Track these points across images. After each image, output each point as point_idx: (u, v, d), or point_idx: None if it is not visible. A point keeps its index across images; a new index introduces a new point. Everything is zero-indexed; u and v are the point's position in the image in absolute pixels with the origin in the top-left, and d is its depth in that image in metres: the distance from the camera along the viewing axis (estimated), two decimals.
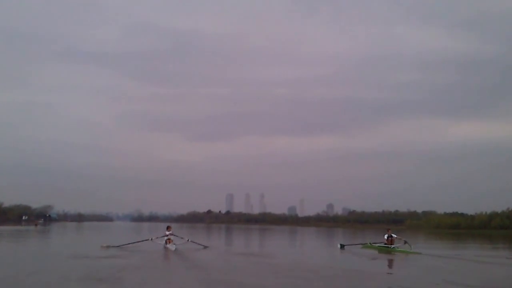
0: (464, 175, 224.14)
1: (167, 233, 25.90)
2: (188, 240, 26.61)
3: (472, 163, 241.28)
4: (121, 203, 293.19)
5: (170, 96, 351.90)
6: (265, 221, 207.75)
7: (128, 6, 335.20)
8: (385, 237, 28.47)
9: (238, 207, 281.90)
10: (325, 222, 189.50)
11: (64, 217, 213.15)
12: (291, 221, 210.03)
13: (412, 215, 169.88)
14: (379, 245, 28.97)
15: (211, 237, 51.47)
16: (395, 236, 28.53)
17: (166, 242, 25.49)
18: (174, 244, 25.08)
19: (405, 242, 27.94)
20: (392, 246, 27.72)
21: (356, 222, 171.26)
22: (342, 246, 30.49)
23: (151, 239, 26.20)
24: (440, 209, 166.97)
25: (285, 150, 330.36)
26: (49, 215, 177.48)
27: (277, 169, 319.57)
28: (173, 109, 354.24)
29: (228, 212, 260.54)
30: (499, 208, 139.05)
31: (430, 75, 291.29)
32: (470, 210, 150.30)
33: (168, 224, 30.51)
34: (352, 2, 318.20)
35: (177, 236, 26.72)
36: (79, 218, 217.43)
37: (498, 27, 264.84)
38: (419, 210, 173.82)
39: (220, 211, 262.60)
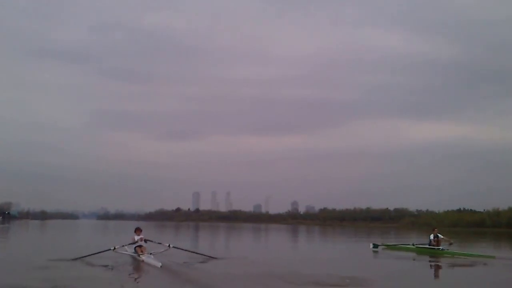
0: (429, 174, 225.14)
1: (136, 238, 18.10)
2: (169, 246, 18.23)
3: (436, 163, 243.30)
4: (87, 201, 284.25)
5: (137, 94, 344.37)
6: (236, 218, 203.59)
7: (95, 3, 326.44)
8: (431, 237, 23.70)
9: (205, 205, 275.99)
10: (302, 220, 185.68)
11: (26, 215, 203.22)
12: (263, 218, 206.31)
13: (384, 212, 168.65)
14: (419, 246, 24.51)
15: (191, 238, 45.53)
16: (441, 236, 23.82)
17: (136, 251, 17.88)
18: (151, 254, 17.57)
19: (451, 244, 23.48)
20: (441, 248, 23.18)
21: (334, 219, 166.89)
22: (375, 246, 26.66)
23: (114, 248, 17.96)
24: (412, 207, 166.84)
25: (251, 149, 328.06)
26: (9, 213, 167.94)
27: (243, 168, 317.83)
28: (140, 107, 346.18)
29: (197, 210, 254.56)
30: (468, 206, 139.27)
31: (397, 77, 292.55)
32: (438, 208, 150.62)
33: (136, 225, 20.97)
34: (321, 4, 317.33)
35: (152, 241, 18.70)
36: (42, 216, 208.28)
37: (466, 32, 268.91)
38: (391, 207, 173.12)
39: (189, 209, 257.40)
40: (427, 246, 23.84)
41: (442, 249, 23.10)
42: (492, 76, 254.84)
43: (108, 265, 16.18)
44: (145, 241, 18.30)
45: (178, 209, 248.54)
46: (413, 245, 25.32)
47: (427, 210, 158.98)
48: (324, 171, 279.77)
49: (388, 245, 28.04)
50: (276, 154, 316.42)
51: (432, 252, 23.04)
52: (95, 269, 15.77)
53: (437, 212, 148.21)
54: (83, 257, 17.48)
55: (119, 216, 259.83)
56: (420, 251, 24.02)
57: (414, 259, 21.40)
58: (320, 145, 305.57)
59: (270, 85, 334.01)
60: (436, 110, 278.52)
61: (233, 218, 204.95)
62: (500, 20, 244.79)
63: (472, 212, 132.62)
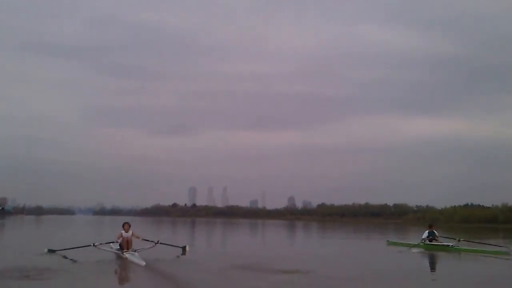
0: (428, 169, 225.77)
1: (124, 234, 15.85)
2: (158, 242, 16.20)
3: (434, 158, 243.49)
4: (83, 196, 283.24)
5: (133, 89, 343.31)
6: (233, 214, 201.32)
7: None
8: (427, 234, 23.11)
9: (201, 200, 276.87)
10: (300, 215, 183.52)
11: (21, 210, 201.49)
12: (260, 214, 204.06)
13: (384, 208, 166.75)
14: (429, 243, 22.97)
15: (191, 236, 43.58)
16: (436, 233, 23.38)
17: (121, 247, 15.77)
18: (136, 251, 15.37)
19: (460, 240, 22.71)
20: (451, 244, 22.36)
21: (333, 215, 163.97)
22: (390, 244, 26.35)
23: (93, 244, 16.12)
24: (411, 202, 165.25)
25: (248, 145, 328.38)
26: (3, 208, 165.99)
27: (240, 163, 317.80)
28: (137, 103, 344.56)
29: (194, 205, 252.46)
30: (465, 202, 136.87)
31: (394, 72, 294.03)
32: (438, 203, 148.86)
33: (132, 220, 19.38)
34: (317, 0, 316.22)
35: (142, 238, 16.61)
36: (38, 211, 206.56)
37: (462, 27, 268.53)
38: (389, 203, 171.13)
39: (185, 204, 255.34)
40: (438, 243, 22.84)
41: (452, 245, 22.27)
42: (491, 72, 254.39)
43: (88, 263, 14.36)
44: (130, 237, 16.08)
45: (174, 205, 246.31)
46: (423, 243, 23.43)
47: (427, 206, 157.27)
48: (321, 166, 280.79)
49: (397, 242, 26.95)
50: (273, 149, 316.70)
51: (444, 249, 22.11)
52: (72, 266, 13.87)
53: (439, 208, 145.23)
54: (58, 250, 15.92)
55: (116, 212, 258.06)
56: (430, 248, 22.65)
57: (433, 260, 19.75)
58: (317, 140, 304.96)
59: (267, 81, 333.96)
60: (434, 105, 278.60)
61: (230, 214, 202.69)
62: (496, 14, 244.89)
63: (482, 207, 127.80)
